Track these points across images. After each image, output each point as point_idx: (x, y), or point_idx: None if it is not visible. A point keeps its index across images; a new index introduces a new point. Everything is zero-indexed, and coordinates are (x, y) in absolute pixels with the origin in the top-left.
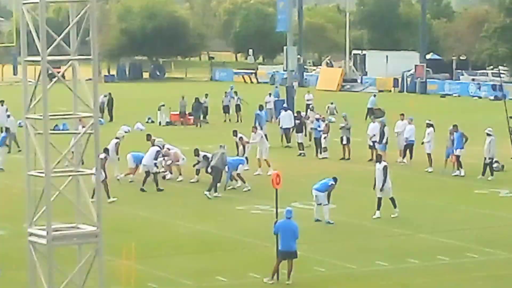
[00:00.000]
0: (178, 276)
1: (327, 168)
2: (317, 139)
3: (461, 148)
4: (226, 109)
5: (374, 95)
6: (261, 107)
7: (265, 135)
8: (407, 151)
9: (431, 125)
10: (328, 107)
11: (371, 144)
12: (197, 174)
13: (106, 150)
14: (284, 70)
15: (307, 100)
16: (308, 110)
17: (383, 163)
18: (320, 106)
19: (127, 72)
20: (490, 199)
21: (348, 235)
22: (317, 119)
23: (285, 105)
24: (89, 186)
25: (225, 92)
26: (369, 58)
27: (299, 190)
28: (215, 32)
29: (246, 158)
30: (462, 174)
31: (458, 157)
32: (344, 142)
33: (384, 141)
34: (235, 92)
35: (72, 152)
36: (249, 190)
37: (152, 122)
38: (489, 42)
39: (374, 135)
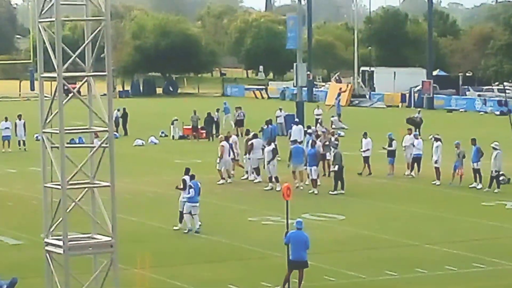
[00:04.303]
0: (191, 285)
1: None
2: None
3: (477, 161)
4: (238, 123)
5: (419, 112)
6: (267, 123)
7: (273, 149)
8: (415, 164)
9: (439, 139)
10: (332, 121)
11: (364, 158)
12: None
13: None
14: (294, 86)
15: (316, 115)
16: (317, 124)
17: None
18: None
19: (141, 88)
20: (497, 211)
21: (358, 245)
22: (307, 133)
23: (296, 119)
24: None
25: (236, 108)
26: (377, 75)
27: (309, 202)
28: (227, 49)
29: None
30: (479, 187)
31: (477, 170)
32: (328, 157)
33: (392, 154)
34: (239, 107)
35: None
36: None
37: (166, 136)
38: (495, 59)
39: (368, 149)
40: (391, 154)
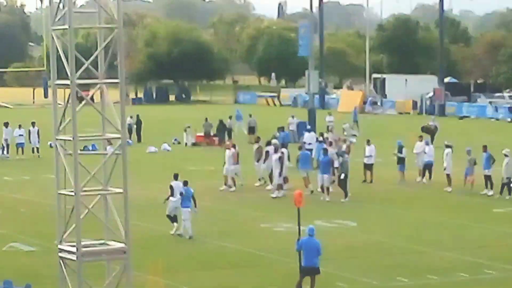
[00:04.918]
0: None
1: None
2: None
3: (489, 168)
4: (251, 130)
5: (434, 119)
6: (279, 130)
7: (280, 157)
8: (426, 171)
9: (449, 146)
10: (344, 128)
11: (366, 165)
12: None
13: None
14: (306, 93)
15: (328, 122)
16: (329, 132)
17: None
18: (339, 127)
19: (154, 95)
20: (508, 217)
21: (369, 251)
22: (318, 140)
23: (308, 126)
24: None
25: (249, 115)
26: (389, 82)
27: (321, 208)
28: (239, 57)
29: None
30: (490, 193)
31: (489, 176)
32: (336, 165)
33: (402, 161)
34: (250, 115)
35: None
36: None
37: (179, 143)
38: (506, 66)
39: (371, 156)
40: (401, 161)
